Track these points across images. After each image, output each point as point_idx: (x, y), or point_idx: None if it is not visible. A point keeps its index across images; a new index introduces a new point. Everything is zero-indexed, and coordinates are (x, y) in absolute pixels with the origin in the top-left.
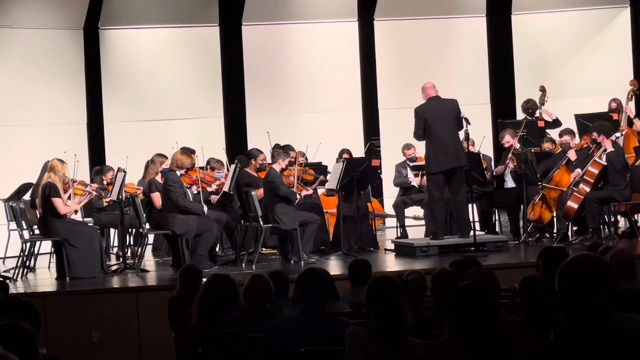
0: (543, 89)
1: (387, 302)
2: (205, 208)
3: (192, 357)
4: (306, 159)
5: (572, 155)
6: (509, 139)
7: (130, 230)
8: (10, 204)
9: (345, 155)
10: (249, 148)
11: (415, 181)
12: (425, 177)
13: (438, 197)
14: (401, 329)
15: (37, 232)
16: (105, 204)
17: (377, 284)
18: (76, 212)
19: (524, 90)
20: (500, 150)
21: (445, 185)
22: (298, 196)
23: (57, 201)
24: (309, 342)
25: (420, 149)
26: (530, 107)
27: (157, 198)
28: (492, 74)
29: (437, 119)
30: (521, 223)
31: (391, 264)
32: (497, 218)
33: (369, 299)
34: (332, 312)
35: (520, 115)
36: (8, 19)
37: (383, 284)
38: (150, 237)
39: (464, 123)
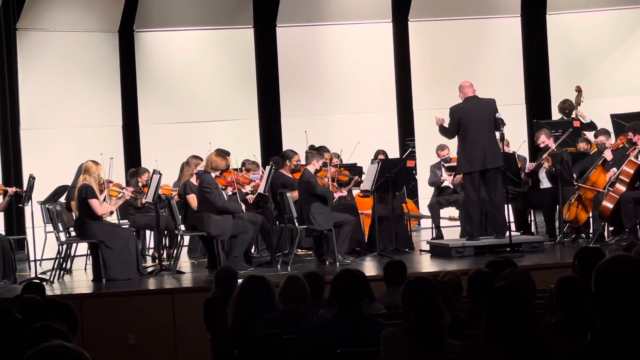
0: (579, 89)
1: (424, 303)
2: (243, 206)
3: (228, 359)
4: (341, 160)
5: (608, 155)
6: (545, 139)
7: (165, 232)
8: (47, 206)
9: (381, 156)
10: (283, 149)
11: (448, 180)
12: (458, 176)
13: (474, 198)
14: (439, 330)
15: (73, 234)
16: (140, 205)
17: (413, 284)
18: (112, 213)
19: (559, 91)
20: (535, 150)
21: (480, 185)
22: (335, 196)
23: (93, 202)
24: (344, 343)
25: (454, 149)
26: (567, 107)
27: (192, 199)
28: (527, 74)
29: (472, 119)
30: (557, 223)
31: (426, 264)
32: (532, 218)
33: (404, 300)
34: (367, 313)
35: (555, 115)
36: (44, 22)
37: (419, 284)
38: (186, 239)
39: (500, 124)
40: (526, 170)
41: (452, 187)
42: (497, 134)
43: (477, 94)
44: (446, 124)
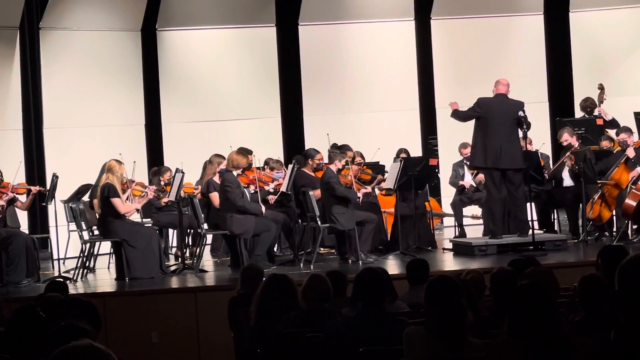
0: (601, 87)
1: (448, 302)
2: (263, 208)
3: (251, 357)
4: (363, 158)
5: (630, 153)
6: (567, 137)
7: (188, 230)
8: (70, 205)
9: (403, 155)
10: (306, 148)
11: (466, 184)
12: (480, 175)
13: (496, 196)
14: (462, 328)
15: (96, 232)
16: (163, 204)
17: (436, 283)
18: (138, 210)
19: (582, 89)
20: (558, 148)
21: (499, 180)
22: (359, 194)
23: (116, 201)
24: (367, 342)
25: None
26: (588, 105)
27: (215, 197)
28: (550, 73)
29: (496, 115)
30: (580, 222)
31: (449, 263)
32: (555, 217)
33: (427, 299)
34: (390, 312)
35: (578, 113)
36: (67, 21)
37: (442, 283)
38: (209, 238)
39: (524, 124)
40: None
41: (474, 185)
42: (520, 133)
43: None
44: (463, 110)
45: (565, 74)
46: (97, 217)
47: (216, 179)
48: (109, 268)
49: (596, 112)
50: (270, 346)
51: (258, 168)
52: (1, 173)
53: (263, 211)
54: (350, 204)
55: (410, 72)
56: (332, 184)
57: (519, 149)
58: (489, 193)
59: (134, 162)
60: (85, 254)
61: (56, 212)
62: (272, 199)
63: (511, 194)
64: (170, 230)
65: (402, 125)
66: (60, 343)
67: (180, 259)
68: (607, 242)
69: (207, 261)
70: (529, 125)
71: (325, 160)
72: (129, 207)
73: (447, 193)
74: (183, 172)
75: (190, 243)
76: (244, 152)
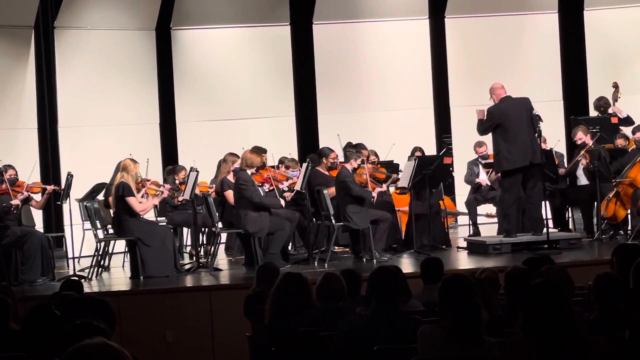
0: (616, 86)
1: (462, 300)
2: (282, 202)
3: (266, 355)
4: (377, 157)
5: None
6: (582, 136)
7: (203, 229)
8: (85, 203)
9: (417, 154)
10: (320, 147)
11: (483, 182)
12: (494, 173)
13: (511, 195)
14: (477, 327)
15: (111, 231)
16: (178, 203)
17: (450, 282)
18: (156, 206)
19: (596, 87)
20: (573, 147)
21: (519, 182)
22: (374, 193)
23: (131, 200)
24: (381, 340)
25: (491, 146)
26: (602, 104)
27: (230, 195)
28: (565, 71)
29: (512, 117)
30: (595, 220)
31: (464, 262)
32: (570, 215)
33: (442, 297)
34: (404, 310)
35: (593, 112)
36: (82, 20)
37: (457, 282)
38: (223, 236)
39: (537, 120)
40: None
41: (489, 184)
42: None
43: (512, 93)
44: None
45: (579, 72)
46: (112, 215)
47: (230, 177)
48: (123, 266)
49: (610, 111)
50: (284, 344)
51: (272, 167)
52: (16, 172)
53: (282, 204)
54: (365, 203)
55: (424, 71)
56: (348, 183)
57: (538, 144)
58: (503, 191)
59: (147, 158)
60: (100, 253)
61: (71, 210)
62: (288, 195)
63: (527, 192)
64: (185, 229)
65: (416, 124)
66: (75, 341)
67: (194, 258)
68: (622, 241)
69: (222, 260)
70: (540, 119)
71: (340, 159)
72: (144, 205)
73: (462, 192)
74: (197, 171)
75: (204, 242)
76: (258, 150)
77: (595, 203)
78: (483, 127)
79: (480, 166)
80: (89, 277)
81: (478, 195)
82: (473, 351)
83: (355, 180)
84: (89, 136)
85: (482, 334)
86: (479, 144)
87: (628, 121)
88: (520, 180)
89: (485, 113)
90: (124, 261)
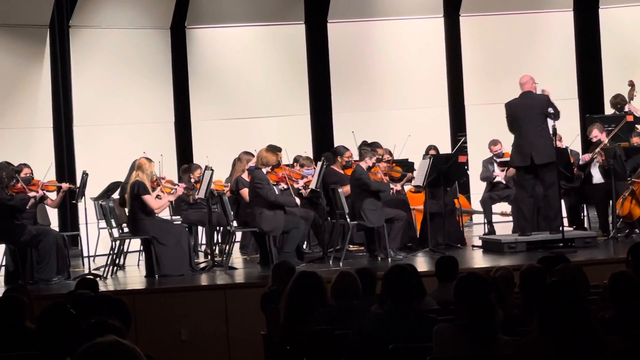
0: (632, 84)
1: (477, 299)
2: (298, 200)
3: (280, 354)
4: (392, 156)
5: None
6: (597, 134)
7: (218, 227)
8: (100, 202)
9: (432, 152)
10: (334, 145)
11: (500, 176)
12: (510, 171)
13: (526, 193)
14: (492, 326)
15: (126, 230)
16: (193, 201)
17: (465, 280)
18: (171, 203)
19: (612, 85)
20: (588, 145)
21: (533, 180)
22: (392, 185)
23: (147, 198)
24: (396, 339)
25: (506, 144)
26: (619, 102)
27: (246, 193)
28: (580, 69)
29: (522, 114)
30: (610, 219)
31: (479, 260)
32: (585, 214)
33: (457, 296)
34: (419, 309)
35: (608, 110)
36: (97, 19)
37: (471, 280)
38: (238, 235)
39: (552, 118)
40: (580, 162)
41: (504, 182)
42: (550, 128)
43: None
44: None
45: (595, 70)
46: (127, 214)
47: (245, 176)
48: (138, 265)
49: (626, 109)
50: (299, 343)
51: (287, 165)
52: (32, 171)
53: (298, 202)
54: (384, 197)
55: (439, 69)
56: (364, 179)
57: (549, 143)
58: (518, 190)
59: (161, 155)
60: (115, 251)
61: (86, 209)
62: (305, 192)
63: (544, 190)
64: (200, 228)
65: (431, 122)
66: (89, 340)
67: (209, 256)
68: (638, 239)
69: (237, 258)
70: (557, 114)
71: (355, 158)
72: (160, 203)
73: (477, 190)
74: (212, 170)
75: (219, 240)
76: (274, 149)
77: (611, 201)
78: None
79: (495, 164)
80: (104, 275)
81: (493, 193)
82: (488, 350)
83: (371, 178)
84: (104, 135)
85: (497, 333)
86: (494, 142)
87: None
88: (530, 177)
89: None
90: (139, 260)
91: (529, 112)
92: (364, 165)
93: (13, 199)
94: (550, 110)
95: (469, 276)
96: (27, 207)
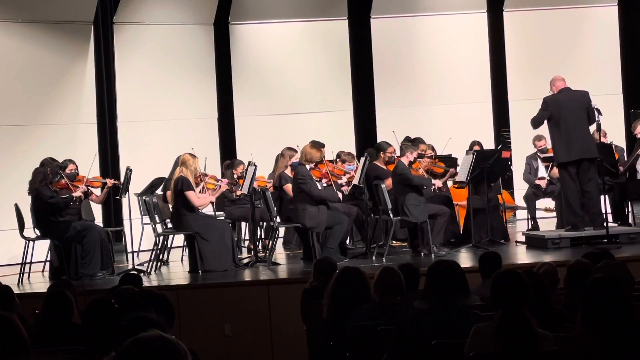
0: None
1: (512, 297)
2: (340, 195)
3: (324, 350)
4: (434, 151)
5: None
6: None
7: (261, 223)
8: (144, 198)
9: (476, 147)
10: (377, 141)
11: (542, 183)
12: (555, 168)
13: (573, 188)
14: (526, 323)
15: (169, 226)
16: (236, 197)
17: (501, 278)
18: (212, 203)
19: None
20: (632, 141)
21: (573, 175)
22: (434, 181)
23: (190, 194)
24: (439, 335)
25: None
26: None
27: (289, 188)
28: (624, 64)
29: (567, 109)
30: None
31: (522, 256)
32: (630, 209)
33: (493, 295)
34: (462, 305)
35: None
36: (141, 15)
37: (508, 279)
38: (281, 230)
39: (596, 114)
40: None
41: (547, 180)
42: (593, 125)
43: (571, 87)
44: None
45: (639, 65)
46: (171, 210)
47: (288, 172)
48: (182, 261)
49: None
50: (342, 339)
51: (330, 161)
52: (76, 167)
53: (340, 197)
54: (425, 192)
55: (482, 65)
56: (406, 174)
57: (592, 138)
58: (566, 186)
59: (205, 158)
60: (159, 247)
61: (130, 205)
62: (346, 189)
63: (583, 186)
64: (243, 223)
65: (474, 118)
66: (132, 335)
67: (252, 252)
68: None
69: (280, 254)
70: (600, 113)
71: (397, 154)
72: (203, 200)
73: (520, 186)
74: (256, 165)
75: (262, 236)
76: (318, 145)
77: None
78: (537, 118)
79: (539, 160)
80: (148, 271)
81: (537, 189)
82: (526, 347)
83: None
84: (148, 131)
85: (535, 329)
86: (538, 138)
87: None
88: (574, 173)
89: (541, 104)
90: (182, 255)
91: (573, 107)
92: (405, 160)
93: (55, 196)
94: (594, 105)
95: (506, 274)
96: (72, 204)
